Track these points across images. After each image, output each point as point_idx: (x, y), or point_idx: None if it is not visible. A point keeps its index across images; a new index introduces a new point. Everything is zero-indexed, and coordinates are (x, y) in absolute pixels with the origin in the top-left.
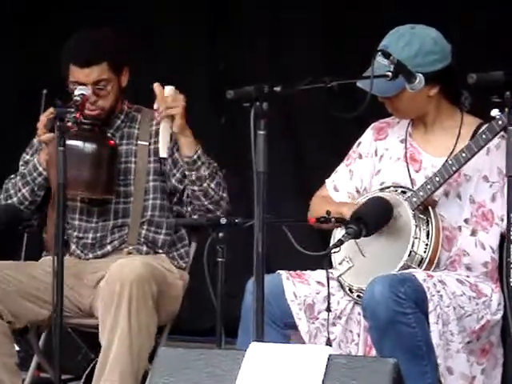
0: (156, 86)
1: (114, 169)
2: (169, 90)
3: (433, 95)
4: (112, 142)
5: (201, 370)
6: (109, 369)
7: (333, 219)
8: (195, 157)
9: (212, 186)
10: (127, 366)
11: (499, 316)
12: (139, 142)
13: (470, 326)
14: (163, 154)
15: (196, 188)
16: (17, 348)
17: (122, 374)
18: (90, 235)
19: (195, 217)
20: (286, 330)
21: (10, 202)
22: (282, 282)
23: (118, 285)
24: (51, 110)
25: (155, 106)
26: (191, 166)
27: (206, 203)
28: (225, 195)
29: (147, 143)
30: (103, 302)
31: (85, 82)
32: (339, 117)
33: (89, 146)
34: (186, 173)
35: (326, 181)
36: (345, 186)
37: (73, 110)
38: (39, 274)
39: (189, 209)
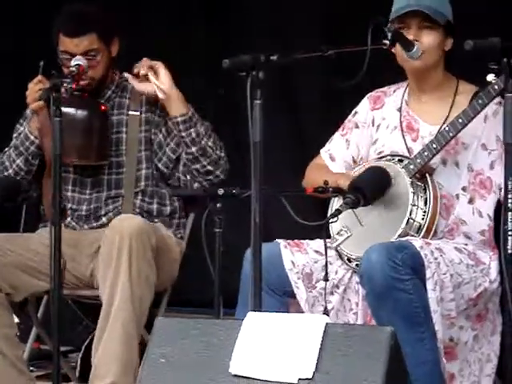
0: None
1: (107, 134)
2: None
3: (446, 50)
4: (104, 107)
5: (198, 340)
6: (112, 320)
7: (330, 189)
8: (190, 113)
9: (209, 143)
10: (130, 317)
11: (497, 284)
12: (130, 112)
13: (468, 294)
14: (161, 94)
15: (194, 149)
16: (16, 320)
17: (125, 324)
18: (84, 207)
19: (196, 185)
20: (284, 298)
21: (6, 174)
22: (280, 251)
23: (117, 238)
24: (39, 77)
25: (135, 71)
26: (188, 124)
27: (205, 163)
28: (222, 154)
29: (138, 113)
30: (104, 254)
31: (75, 51)
32: (337, 87)
33: (80, 113)
34: (183, 134)
35: (321, 150)
36: (341, 156)
37: (69, 80)
38: (36, 246)
39: (188, 177)
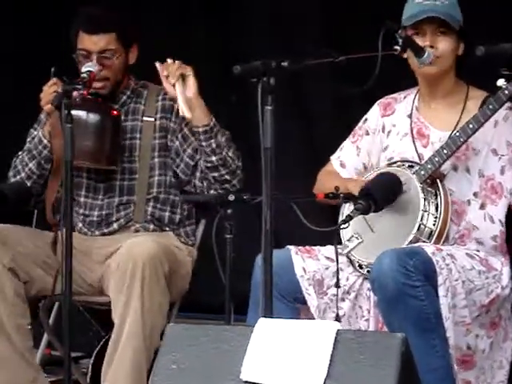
0: (157, 63)
1: (118, 139)
2: (169, 60)
3: (459, 54)
4: (115, 111)
5: (208, 346)
6: (122, 348)
7: (341, 195)
8: (212, 124)
9: (230, 154)
10: (140, 345)
11: (509, 290)
12: (145, 118)
13: (480, 300)
14: (188, 114)
15: (214, 158)
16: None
17: (135, 353)
18: (96, 213)
19: (212, 192)
20: (295, 304)
21: (18, 178)
22: (291, 257)
23: (130, 264)
24: (54, 80)
25: (164, 73)
26: (210, 134)
27: (223, 172)
28: (240, 164)
29: (153, 119)
30: (115, 281)
31: (92, 49)
32: (347, 93)
33: (92, 116)
34: (203, 144)
35: (331, 157)
36: (352, 163)
37: (80, 86)
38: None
39: (204, 184)
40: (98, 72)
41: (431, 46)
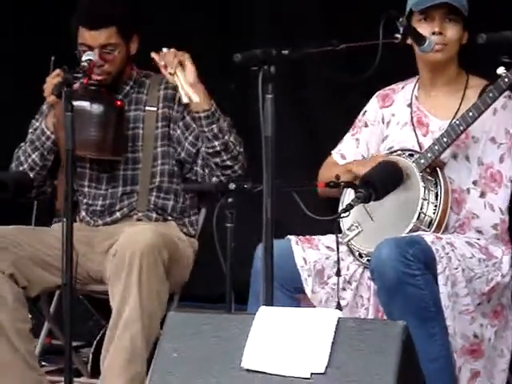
0: (152, 53)
1: (122, 129)
2: (165, 49)
3: (462, 43)
4: (119, 102)
5: (210, 335)
6: (119, 335)
7: (342, 183)
8: (213, 109)
9: (231, 139)
10: (138, 333)
11: (510, 278)
12: (147, 108)
13: (480, 288)
14: (189, 99)
15: (217, 143)
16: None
17: (133, 341)
18: (100, 202)
19: (214, 179)
20: (296, 294)
21: (21, 169)
22: (291, 247)
23: (128, 253)
24: (57, 71)
25: (162, 63)
26: (211, 119)
27: (225, 158)
28: (242, 150)
29: (155, 108)
30: (113, 269)
31: (92, 44)
32: (347, 83)
33: (96, 107)
34: (205, 129)
35: (332, 152)
36: (351, 154)
37: (80, 75)
38: (51, 241)
39: (206, 171)
40: (98, 62)
41: (440, 33)
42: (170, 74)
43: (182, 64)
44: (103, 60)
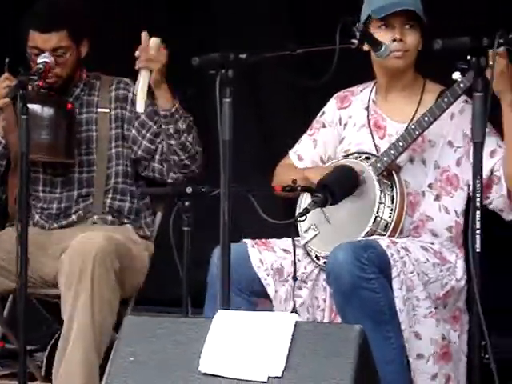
0: (144, 34)
1: (73, 132)
2: (154, 42)
3: (420, 50)
4: (70, 105)
5: (167, 338)
6: (71, 344)
7: (299, 188)
8: (173, 110)
9: (189, 139)
10: (90, 341)
11: (464, 282)
12: (99, 110)
13: (435, 293)
14: (140, 108)
15: (173, 142)
16: None
17: (86, 349)
18: (55, 205)
19: (171, 174)
20: (252, 297)
21: None
22: (247, 250)
23: (80, 260)
24: (6, 75)
25: (136, 54)
26: (169, 119)
27: (182, 157)
28: (200, 149)
29: (107, 110)
30: (65, 276)
31: (43, 47)
32: (305, 86)
33: (46, 110)
34: (163, 126)
35: (289, 152)
36: (309, 155)
37: (35, 77)
38: (5, 245)
39: (164, 166)
40: (53, 64)
41: (400, 40)
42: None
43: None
44: (54, 63)
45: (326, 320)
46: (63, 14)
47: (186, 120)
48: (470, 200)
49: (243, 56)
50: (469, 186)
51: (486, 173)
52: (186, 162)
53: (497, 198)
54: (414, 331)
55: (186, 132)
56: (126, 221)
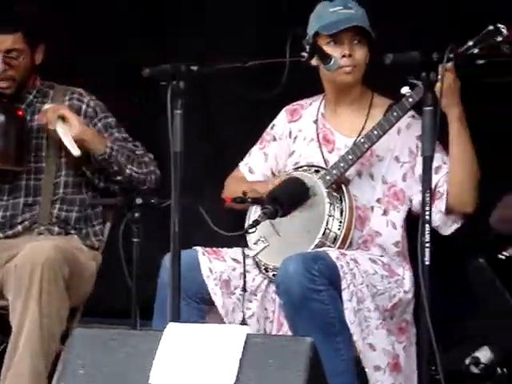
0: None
1: (24, 140)
2: (46, 106)
3: (366, 64)
4: (20, 112)
5: (118, 351)
6: (20, 353)
7: (249, 199)
8: (108, 151)
9: (134, 168)
10: (38, 350)
11: (411, 294)
12: None
13: (383, 305)
14: (76, 152)
15: (120, 178)
16: None
17: (34, 358)
18: (1, 213)
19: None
20: (201, 305)
21: None
22: (197, 258)
23: (28, 268)
24: None
25: (44, 121)
26: (108, 161)
27: (134, 184)
28: (152, 168)
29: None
30: (13, 285)
31: None
32: (255, 99)
33: None
34: (105, 167)
35: (240, 164)
36: (260, 169)
37: None
38: None
39: (116, 186)
40: (3, 71)
41: (350, 55)
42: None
43: (64, 118)
44: (7, 65)
45: (274, 331)
46: (19, 16)
47: (123, 153)
48: (409, 214)
49: (195, 68)
50: (411, 200)
51: None
52: (139, 186)
53: (435, 213)
54: (368, 343)
55: (129, 163)
56: (72, 231)
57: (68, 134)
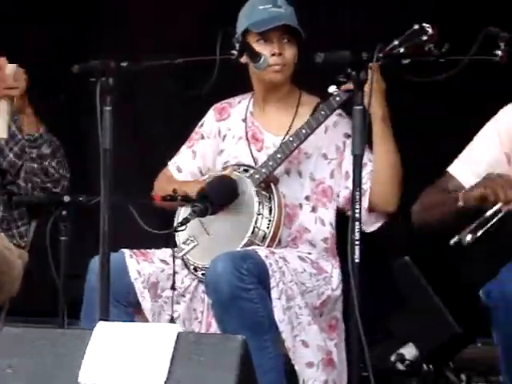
0: (1, 60)
1: None
2: (10, 68)
3: (295, 63)
4: None
5: (46, 350)
6: None
7: (179, 197)
8: (37, 135)
9: (53, 164)
10: None
11: (340, 291)
12: None
13: (312, 302)
14: (3, 134)
15: (35, 165)
16: None
17: None
18: None
19: (36, 193)
20: (129, 308)
21: None
22: (125, 261)
23: None
24: None
25: None
26: (33, 144)
27: (45, 181)
28: (66, 174)
29: None
30: None
31: None
32: (185, 96)
33: None
34: (27, 149)
35: (169, 163)
36: (187, 167)
37: None
38: None
39: (28, 185)
40: None
41: (279, 54)
42: None
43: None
44: None
45: (202, 332)
46: None
47: (51, 145)
48: (338, 211)
49: (124, 64)
50: (338, 196)
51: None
52: (49, 185)
53: None
54: (301, 339)
55: (50, 157)
56: None
57: (7, 110)
